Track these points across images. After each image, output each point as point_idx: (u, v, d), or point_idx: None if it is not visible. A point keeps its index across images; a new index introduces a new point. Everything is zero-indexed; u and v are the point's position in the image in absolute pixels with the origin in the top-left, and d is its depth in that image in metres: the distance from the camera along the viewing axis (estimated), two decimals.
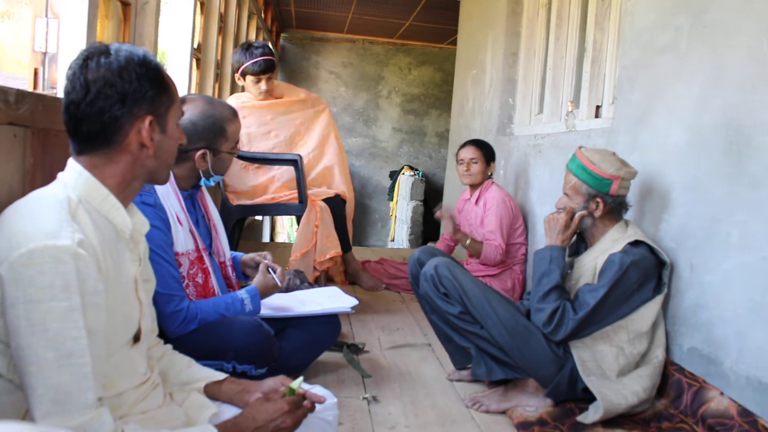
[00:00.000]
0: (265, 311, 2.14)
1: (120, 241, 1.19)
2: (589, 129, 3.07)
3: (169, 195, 1.94)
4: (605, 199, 2.20)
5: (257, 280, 2.11)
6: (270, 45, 3.56)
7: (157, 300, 1.82)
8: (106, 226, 1.16)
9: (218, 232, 2.16)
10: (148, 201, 1.85)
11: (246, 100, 3.59)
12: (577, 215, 2.23)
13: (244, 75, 3.48)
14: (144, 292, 1.29)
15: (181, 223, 1.94)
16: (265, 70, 3.45)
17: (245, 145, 3.49)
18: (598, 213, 2.21)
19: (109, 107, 1.13)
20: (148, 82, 1.17)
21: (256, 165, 3.59)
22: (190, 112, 1.98)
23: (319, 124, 3.76)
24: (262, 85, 3.48)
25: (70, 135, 1.17)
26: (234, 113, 2.10)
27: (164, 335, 1.78)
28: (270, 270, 2.12)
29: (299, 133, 3.69)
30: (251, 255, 2.26)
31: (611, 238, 2.23)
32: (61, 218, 1.05)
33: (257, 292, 2.07)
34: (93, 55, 1.14)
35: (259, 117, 3.58)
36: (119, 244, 1.19)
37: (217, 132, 2.02)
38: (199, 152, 1.99)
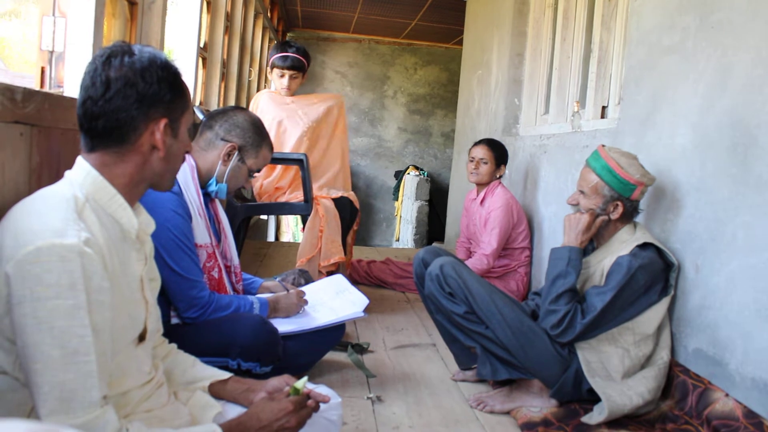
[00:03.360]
0: (282, 327, 2.12)
1: (126, 240, 1.20)
2: (595, 129, 3.06)
3: (189, 187, 1.98)
4: (625, 203, 2.19)
5: (281, 296, 2.20)
6: (306, 50, 3.56)
7: (181, 283, 1.86)
8: (112, 225, 1.16)
9: (227, 237, 2.19)
10: (173, 189, 1.87)
11: (276, 93, 3.59)
12: (599, 219, 2.21)
13: (272, 68, 3.51)
14: (150, 292, 1.29)
15: (200, 215, 1.98)
16: (290, 66, 3.46)
17: (271, 129, 3.43)
18: (615, 216, 2.20)
19: (127, 106, 1.14)
20: (167, 85, 1.18)
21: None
22: (254, 116, 2.16)
23: (331, 118, 3.71)
24: (284, 81, 3.48)
25: (84, 131, 1.17)
26: (272, 151, 2.24)
27: (168, 334, 1.79)
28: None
29: (318, 125, 3.63)
30: (276, 282, 2.35)
31: (620, 239, 2.22)
32: (67, 216, 1.06)
33: (266, 301, 2.12)
34: (117, 54, 1.15)
35: (283, 102, 3.56)
36: (125, 244, 1.19)
37: (255, 142, 2.13)
38: (231, 144, 2.06)
